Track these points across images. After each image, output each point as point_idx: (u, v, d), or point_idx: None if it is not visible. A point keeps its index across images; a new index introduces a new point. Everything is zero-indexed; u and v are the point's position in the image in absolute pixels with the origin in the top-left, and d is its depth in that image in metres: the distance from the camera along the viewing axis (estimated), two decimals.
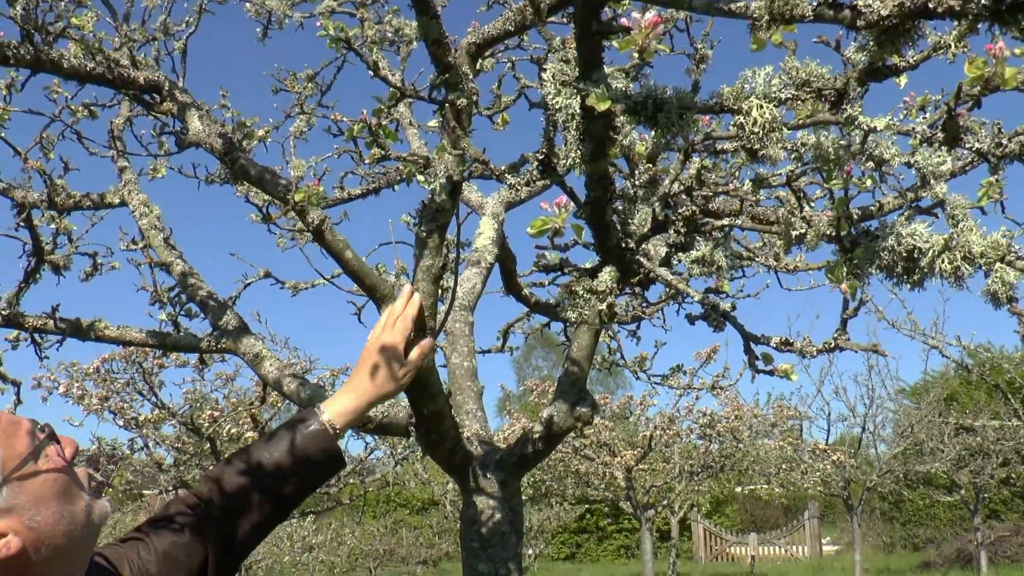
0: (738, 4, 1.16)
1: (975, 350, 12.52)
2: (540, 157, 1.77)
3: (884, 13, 1.06)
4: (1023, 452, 15.95)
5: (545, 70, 1.55)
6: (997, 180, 2.15)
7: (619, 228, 1.92)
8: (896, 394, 21.32)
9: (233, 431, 7.62)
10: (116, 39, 3.16)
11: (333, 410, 1.84)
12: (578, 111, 1.49)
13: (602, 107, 1.36)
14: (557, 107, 1.51)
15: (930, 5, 1.02)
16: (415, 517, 29.12)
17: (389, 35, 3.80)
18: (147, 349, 6.97)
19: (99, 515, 1.36)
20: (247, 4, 3.79)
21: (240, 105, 3.95)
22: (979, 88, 1.33)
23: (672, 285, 1.82)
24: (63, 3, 2.65)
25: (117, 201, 3.51)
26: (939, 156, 1.94)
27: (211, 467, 7.85)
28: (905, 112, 2.22)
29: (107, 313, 3.09)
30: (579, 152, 1.58)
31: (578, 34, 1.39)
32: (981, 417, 17.22)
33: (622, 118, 1.47)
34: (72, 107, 3.47)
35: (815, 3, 1.11)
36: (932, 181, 2.03)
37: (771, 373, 1.84)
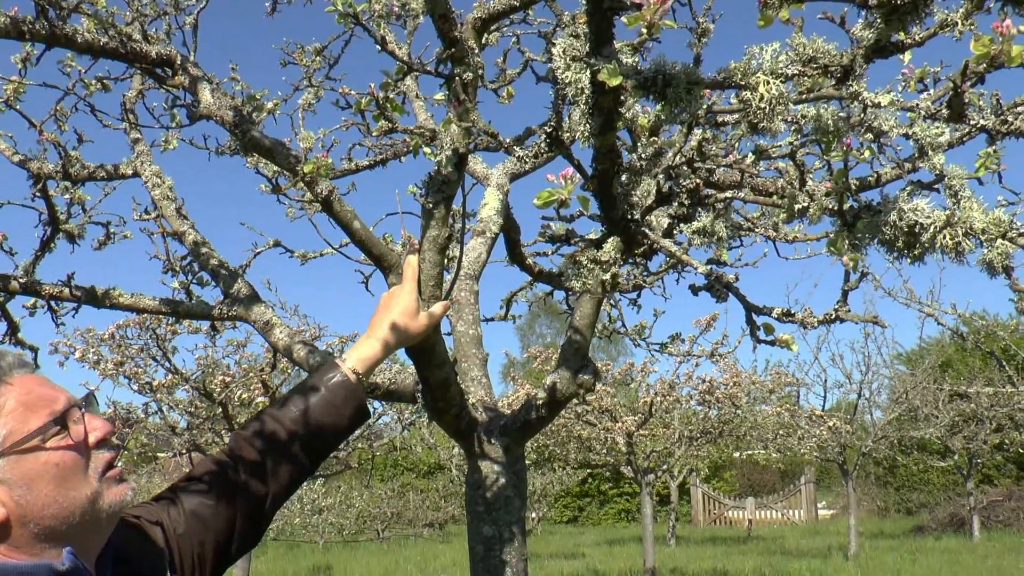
0: None
1: (970, 318, 12.51)
2: (548, 130, 1.76)
3: None
4: (1016, 418, 15.98)
5: (555, 45, 1.53)
6: (995, 151, 2.13)
7: (624, 200, 1.91)
8: (892, 361, 21.36)
9: (244, 396, 7.65)
10: (128, 14, 3.14)
11: (355, 356, 1.85)
12: (588, 85, 1.48)
13: (614, 82, 1.34)
14: (567, 81, 1.50)
15: None
16: (422, 481, 29.35)
17: (396, 9, 3.77)
18: (160, 316, 6.99)
19: (109, 503, 1.34)
20: None
21: (250, 78, 3.93)
22: (985, 65, 1.31)
23: (676, 256, 1.81)
24: None
25: (130, 172, 3.50)
26: (937, 128, 1.92)
27: (224, 431, 7.91)
28: (904, 84, 2.20)
29: (120, 281, 3.09)
30: (588, 126, 1.57)
31: (589, 10, 1.38)
32: (975, 384, 17.26)
33: (625, 94, 1.46)
34: (86, 80, 3.46)
35: None
36: (930, 152, 2.01)
37: (772, 343, 1.84)
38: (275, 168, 3.57)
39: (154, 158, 3.59)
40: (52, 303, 3.19)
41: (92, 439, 1.34)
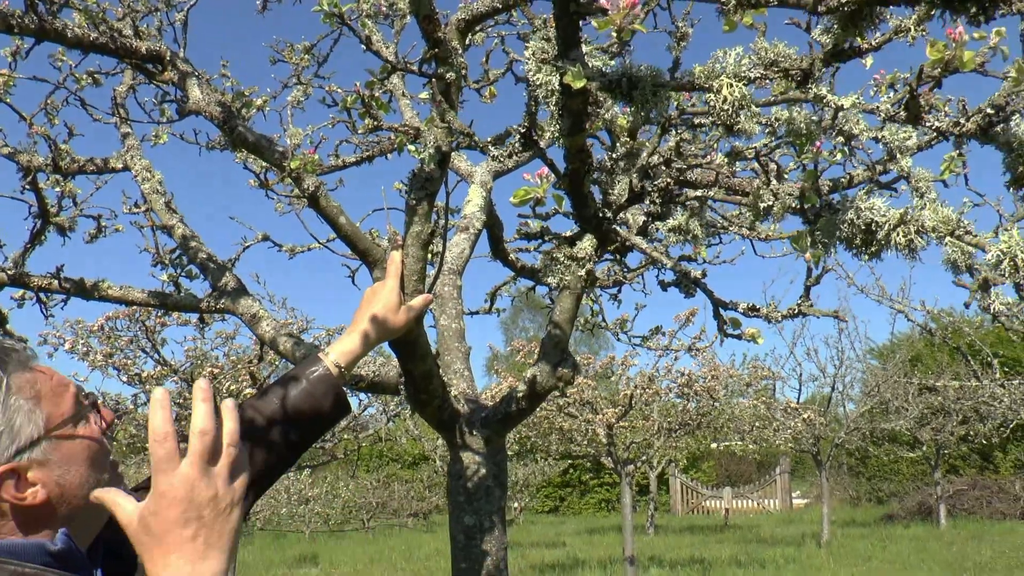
0: None
1: (938, 314, 12.61)
2: (522, 131, 1.78)
3: None
4: (981, 411, 16.13)
5: (528, 47, 1.55)
6: (960, 154, 2.17)
7: (598, 198, 1.93)
8: (864, 355, 21.53)
9: (232, 388, 7.63)
10: (119, 9, 3.13)
11: (338, 350, 1.85)
12: (557, 88, 1.50)
13: (578, 85, 1.36)
14: (538, 83, 1.52)
15: None
16: (406, 471, 29.34)
17: (383, 8, 3.77)
18: (150, 308, 6.97)
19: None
20: None
21: (240, 75, 3.93)
22: (939, 70, 1.34)
23: (646, 252, 1.83)
24: None
25: (120, 166, 3.50)
26: (905, 132, 1.96)
27: None
28: (875, 89, 2.23)
29: (109, 273, 3.10)
30: (558, 127, 1.59)
31: (557, 14, 1.40)
32: (943, 378, 17.42)
33: (599, 95, 1.48)
34: (76, 75, 3.45)
35: None
36: (899, 155, 2.05)
37: (739, 337, 1.87)
38: (263, 163, 3.57)
39: (145, 152, 3.59)
40: (41, 295, 3.18)
41: (103, 424, 1.38)
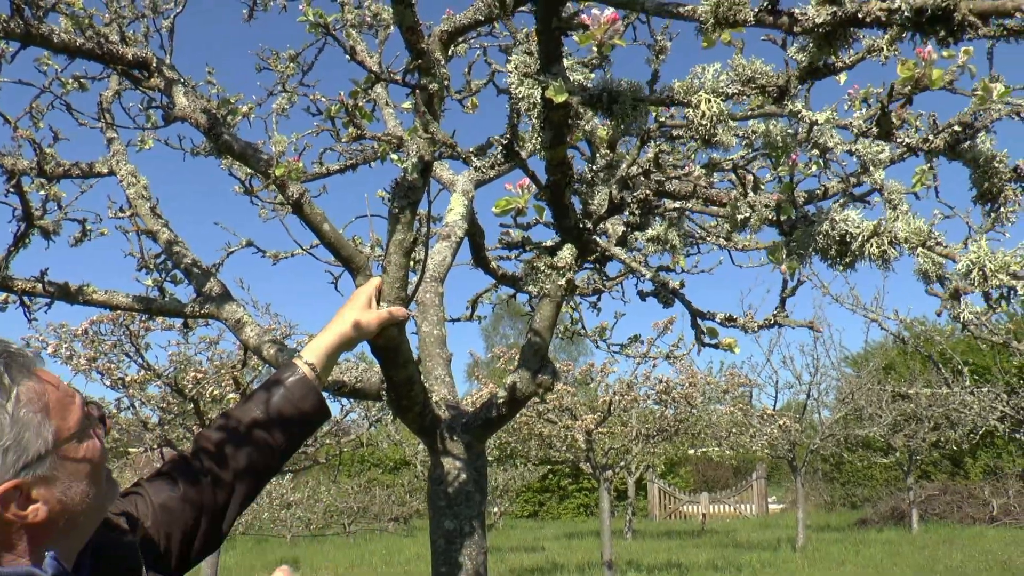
0: (686, 8, 1.18)
1: (911, 323, 12.72)
2: (504, 142, 1.79)
3: (819, 20, 1.09)
4: (952, 417, 16.27)
5: (510, 61, 1.56)
6: (930, 168, 2.20)
7: (578, 209, 1.95)
8: (839, 363, 21.67)
9: (216, 392, 7.59)
10: (106, 15, 3.12)
11: (310, 349, 1.87)
12: (539, 101, 1.51)
13: (559, 99, 1.38)
14: (520, 96, 1.53)
15: (859, 15, 1.05)
16: (388, 476, 29.25)
17: (368, 19, 3.78)
18: (134, 313, 6.93)
19: (110, 499, 1.35)
20: None
21: (225, 82, 3.92)
22: (910, 87, 1.36)
23: (625, 263, 1.85)
24: None
25: (106, 171, 3.47)
26: (878, 145, 1.98)
27: (195, 426, 7.84)
28: (849, 103, 2.26)
29: (94, 278, 3.06)
30: (540, 139, 1.60)
31: (539, 29, 1.41)
32: (915, 385, 17.56)
33: (580, 108, 1.49)
34: (62, 79, 3.42)
35: (756, 9, 1.13)
36: (872, 168, 2.07)
37: (716, 346, 1.88)
38: (248, 170, 3.57)
39: (130, 157, 3.57)
40: (25, 298, 3.16)
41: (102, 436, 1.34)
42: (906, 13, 0.99)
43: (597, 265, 2.55)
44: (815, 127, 1.83)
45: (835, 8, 1.08)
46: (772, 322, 1.80)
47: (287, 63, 4.07)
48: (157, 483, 1.62)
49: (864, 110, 1.91)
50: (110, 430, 1.61)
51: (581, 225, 1.91)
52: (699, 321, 1.90)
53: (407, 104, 3.50)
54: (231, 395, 7.47)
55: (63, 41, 2.39)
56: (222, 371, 7.80)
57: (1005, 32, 1.01)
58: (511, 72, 1.54)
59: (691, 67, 1.49)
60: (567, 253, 1.91)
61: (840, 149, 2.00)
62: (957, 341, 15.96)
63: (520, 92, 1.52)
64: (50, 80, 3.38)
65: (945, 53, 1.36)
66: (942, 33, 0.98)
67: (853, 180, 2.38)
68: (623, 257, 1.83)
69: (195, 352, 8.46)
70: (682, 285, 1.86)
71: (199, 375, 7.59)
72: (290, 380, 1.81)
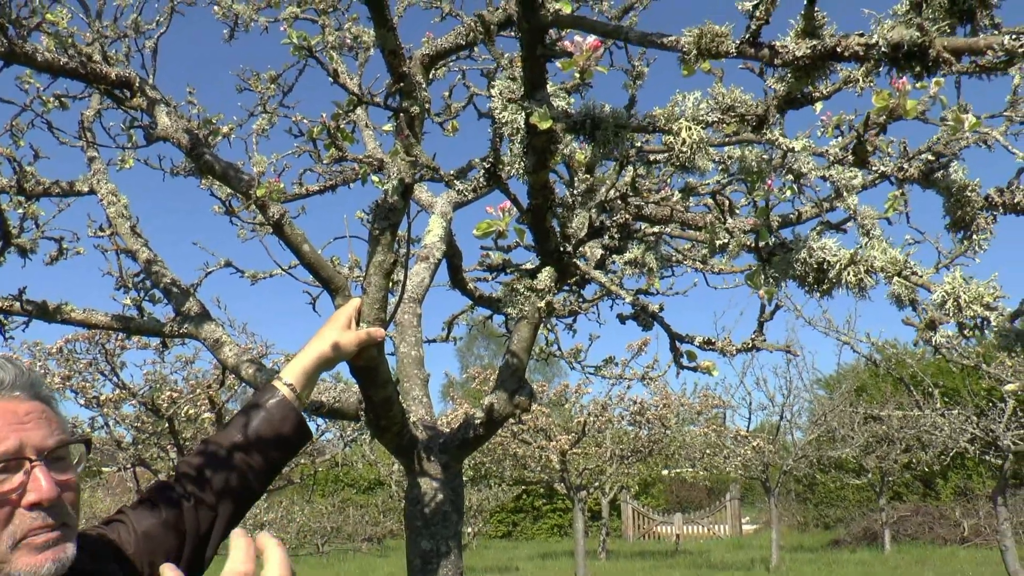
0: (669, 38, 1.20)
1: (883, 346, 12.85)
2: (487, 166, 1.80)
3: (798, 54, 1.11)
4: (923, 439, 16.40)
5: (494, 86, 1.58)
6: (902, 194, 2.24)
7: (558, 232, 1.96)
8: (812, 385, 21.82)
9: (191, 412, 7.52)
10: (88, 35, 3.11)
11: (288, 369, 1.85)
12: (522, 126, 1.53)
13: (544, 126, 1.39)
14: (503, 121, 1.54)
15: (838, 49, 1.07)
16: (361, 496, 29.02)
17: (348, 41, 3.80)
18: (110, 331, 6.87)
19: (16, 571, 1.17)
20: (215, 7, 3.75)
21: (206, 101, 3.92)
22: (885, 117, 1.39)
23: (605, 286, 1.86)
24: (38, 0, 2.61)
25: (86, 189, 3.45)
26: (851, 171, 2.02)
27: (170, 446, 7.75)
28: (823, 130, 2.30)
29: (69, 296, 3.04)
30: (523, 164, 1.62)
31: (524, 55, 1.43)
32: (887, 407, 17.69)
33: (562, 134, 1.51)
34: (43, 97, 3.40)
35: (738, 41, 1.15)
36: (845, 193, 2.11)
37: (694, 369, 1.90)
38: (228, 190, 3.56)
39: (110, 176, 3.56)
40: (1, 317, 3.13)
41: (26, 500, 1.19)
42: (883, 48, 1.01)
43: (574, 287, 2.57)
44: (789, 153, 1.86)
45: (815, 42, 1.10)
46: (750, 346, 1.82)
47: (267, 84, 4.07)
48: (140, 510, 1.60)
49: (839, 137, 1.94)
50: (53, 502, 1.37)
51: (562, 248, 1.92)
52: (678, 344, 1.92)
53: (388, 126, 3.51)
54: (206, 414, 7.40)
55: (47, 60, 2.38)
56: (197, 391, 7.73)
57: (977, 68, 1.04)
58: (495, 97, 1.56)
59: (671, 93, 1.51)
60: (546, 276, 1.93)
61: (814, 175, 2.03)
62: (928, 364, 16.14)
63: (504, 117, 1.54)
64: (31, 98, 3.37)
65: (918, 84, 1.39)
66: (917, 68, 1.01)
67: (826, 205, 2.42)
68: (603, 280, 1.84)
69: (171, 371, 8.40)
70: (661, 308, 1.88)
71: (174, 394, 7.52)
72: (270, 403, 1.79)
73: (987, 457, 12.12)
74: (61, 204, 3.81)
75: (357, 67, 3.90)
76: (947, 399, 14.36)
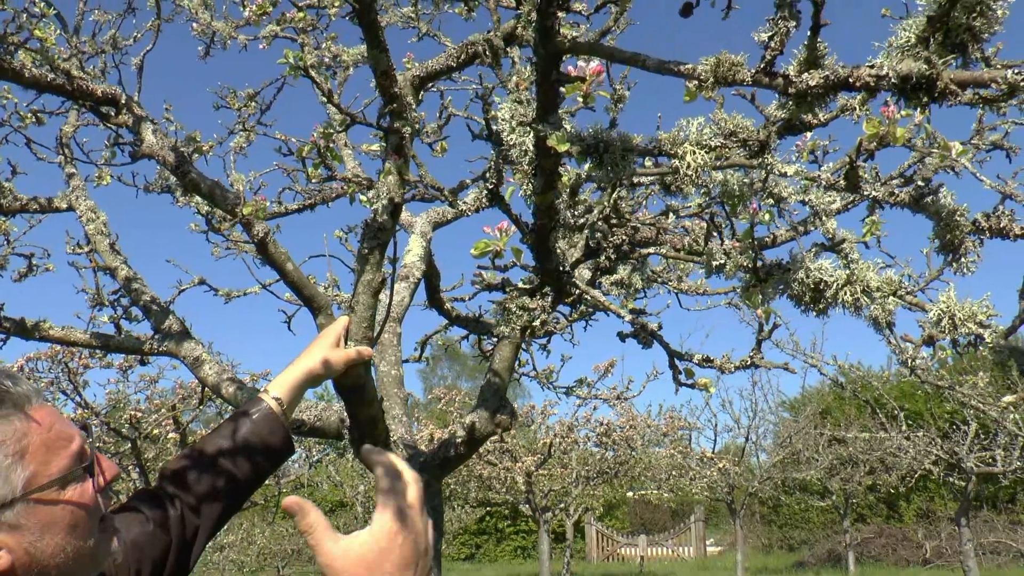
0: (686, 66, 1.26)
1: (848, 369, 13.04)
2: (490, 187, 1.85)
3: (812, 83, 1.18)
4: (887, 461, 16.63)
5: (499, 107, 1.62)
6: (877, 219, 2.32)
7: (561, 252, 2.01)
8: (777, 407, 22.05)
9: (155, 432, 7.44)
10: (64, 50, 3.11)
11: (276, 383, 1.86)
12: (531, 148, 1.57)
13: (562, 148, 1.44)
14: (511, 144, 1.59)
15: (850, 80, 1.13)
16: None
17: (327, 60, 3.83)
18: (73, 349, 6.79)
19: (103, 555, 1.23)
20: (194, 24, 3.77)
21: (184, 119, 3.93)
22: (875, 144, 1.45)
23: (604, 306, 1.91)
24: (24, 15, 2.61)
25: (65, 206, 3.44)
26: (829, 196, 2.09)
27: (131, 466, 7.64)
28: (797, 155, 2.38)
29: (35, 313, 3.02)
30: (531, 185, 1.66)
31: (539, 80, 1.48)
32: (851, 429, 17.93)
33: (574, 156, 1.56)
34: (21, 112, 3.39)
35: (753, 70, 1.21)
36: (824, 217, 2.18)
37: (692, 386, 1.95)
38: (207, 206, 3.57)
39: (88, 193, 3.55)
40: None
41: (101, 481, 1.23)
42: (893, 80, 1.07)
43: (554, 307, 2.61)
44: (771, 177, 1.93)
45: (828, 72, 1.16)
46: (749, 363, 1.87)
47: (246, 101, 4.09)
48: (126, 517, 1.57)
49: (828, 164, 2.01)
50: (118, 477, 1.46)
51: (561, 268, 1.97)
52: (676, 362, 1.97)
53: (371, 147, 3.55)
54: (171, 434, 7.33)
55: (34, 76, 2.39)
56: (162, 410, 7.66)
57: (980, 100, 1.10)
58: (502, 120, 1.60)
59: (653, 114, 1.57)
60: (546, 295, 1.97)
61: (794, 199, 2.10)
62: (892, 386, 16.40)
63: (512, 139, 1.58)
64: (9, 114, 3.36)
65: (904, 112, 1.46)
66: (925, 99, 1.07)
67: (802, 228, 2.50)
68: (601, 300, 1.89)
69: (135, 391, 8.30)
70: (660, 327, 1.93)
71: (138, 413, 7.44)
72: (257, 415, 1.81)
73: (950, 479, 12.33)
74: (32, 220, 3.79)
75: (337, 86, 3.93)
76: (911, 422, 14.59)
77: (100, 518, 1.23)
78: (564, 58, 1.60)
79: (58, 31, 2.82)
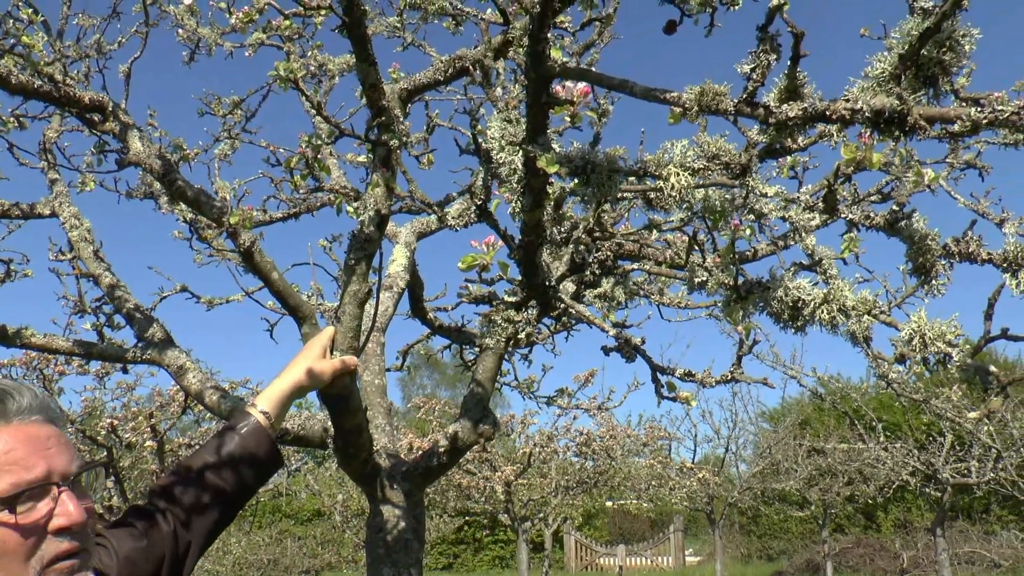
0: (671, 94, 1.31)
1: (827, 380, 13.17)
2: (478, 203, 1.89)
3: (791, 115, 1.24)
4: (865, 472, 16.78)
5: (490, 127, 1.67)
6: (855, 237, 2.39)
7: (547, 267, 2.06)
8: (756, 418, 22.19)
9: (133, 440, 7.42)
10: (48, 53, 3.13)
11: (263, 397, 1.89)
12: (520, 167, 1.62)
13: (552, 169, 1.49)
14: (500, 162, 1.64)
15: (827, 113, 1.20)
16: (300, 527, 28.57)
17: (312, 69, 3.87)
18: (49, 356, 6.76)
19: None
20: (179, 30, 3.79)
21: (166, 125, 3.96)
22: (852, 168, 1.51)
23: (588, 320, 1.96)
24: (11, 21, 2.63)
25: (48, 212, 3.45)
26: (809, 213, 2.15)
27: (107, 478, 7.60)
28: (777, 171, 2.44)
29: (6, 320, 3.02)
30: (519, 203, 1.71)
31: (529, 102, 1.53)
32: (830, 440, 18.08)
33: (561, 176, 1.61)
34: (3, 117, 3.40)
35: (736, 100, 1.27)
36: (803, 233, 2.24)
37: (674, 399, 2.00)
38: (191, 213, 3.59)
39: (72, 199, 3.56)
40: None
41: (53, 525, 1.21)
42: (867, 114, 1.13)
43: (538, 319, 2.67)
44: (751, 194, 1.99)
45: (806, 105, 1.22)
46: (730, 377, 1.93)
47: (230, 108, 4.12)
48: (120, 533, 1.60)
49: (807, 186, 2.07)
50: (80, 527, 1.39)
51: (547, 283, 2.02)
52: (659, 375, 2.02)
53: (358, 158, 3.59)
54: (148, 442, 7.31)
55: (20, 83, 2.42)
56: (139, 418, 7.63)
57: (947, 134, 1.17)
58: (492, 139, 1.65)
59: (639, 128, 1.63)
60: (532, 308, 2.02)
61: (774, 215, 2.16)
62: (871, 398, 16.57)
63: (501, 158, 1.63)
64: None
65: (879, 138, 1.52)
66: (896, 132, 1.13)
67: (781, 243, 2.56)
68: (586, 314, 1.94)
69: (111, 398, 8.25)
70: (643, 341, 1.98)
71: (115, 421, 7.41)
72: (244, 429, 1.83)
73: (927, 490, 12.46)
74: (11, 225, 3.80)
75: (322, 95, 3.97)
76: (889, 433, 14.74)
77: (51, 562, 1.20)
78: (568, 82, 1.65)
79: (45, 38, 2.83)
